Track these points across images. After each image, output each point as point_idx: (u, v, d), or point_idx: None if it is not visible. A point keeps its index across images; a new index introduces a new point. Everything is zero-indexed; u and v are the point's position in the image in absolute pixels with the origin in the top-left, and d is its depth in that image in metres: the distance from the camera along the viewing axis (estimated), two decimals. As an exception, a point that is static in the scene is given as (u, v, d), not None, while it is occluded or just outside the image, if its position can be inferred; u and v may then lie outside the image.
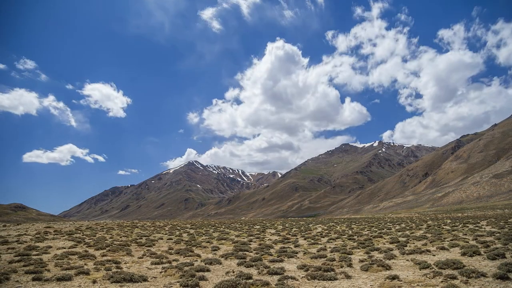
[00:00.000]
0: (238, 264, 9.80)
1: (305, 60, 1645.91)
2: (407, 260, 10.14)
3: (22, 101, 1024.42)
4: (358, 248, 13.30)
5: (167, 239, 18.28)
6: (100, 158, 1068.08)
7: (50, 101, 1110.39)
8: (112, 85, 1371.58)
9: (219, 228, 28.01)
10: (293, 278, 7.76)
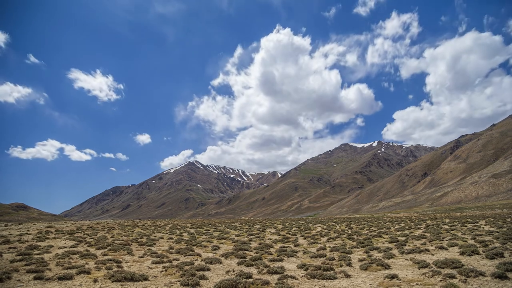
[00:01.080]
0: (238, 263, 9.86)
1: (307, 46, 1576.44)
2: (406, 259, 10.21)
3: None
4: (358, 248, 13.37)
5: (168, 239, 18.33)
6: (89, 153, 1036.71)
7: (26, 91, 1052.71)
8: (97, 76, 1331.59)
9: (219, 228, 28.06)
10: (292, 277, 7.81)
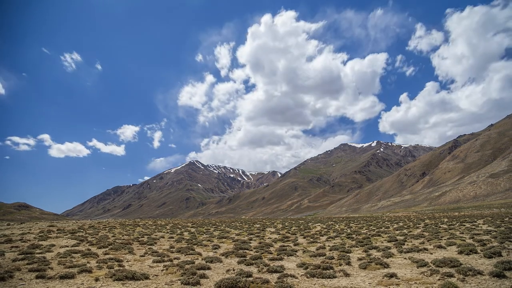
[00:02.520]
0: (239, 262, 9.92)
1: (306, 24, 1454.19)
2: (405, 258, 10.28)
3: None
4: (357, 247, 13.44)
5: (169, 238, 18.40)
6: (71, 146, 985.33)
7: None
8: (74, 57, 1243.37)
9: (219, 227, 28.14)
10: (292, 276, 7.89)
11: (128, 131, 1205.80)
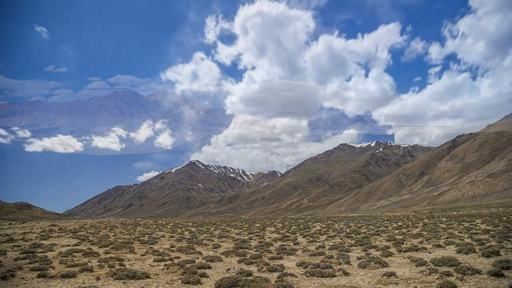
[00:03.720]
0: (239, 261, 9.99)
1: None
2: (404, 257, 10.35)
3: None
4: (356, 246, 13.51)
5: (169, 237, 18.44)
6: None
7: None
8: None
9: (220, 226, 28.20)
10: (292, 275, 7.96)
11: (116, 127, 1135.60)
